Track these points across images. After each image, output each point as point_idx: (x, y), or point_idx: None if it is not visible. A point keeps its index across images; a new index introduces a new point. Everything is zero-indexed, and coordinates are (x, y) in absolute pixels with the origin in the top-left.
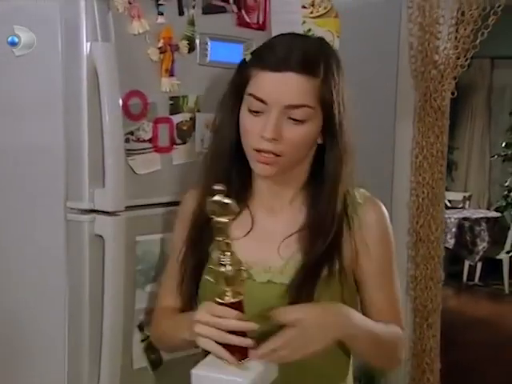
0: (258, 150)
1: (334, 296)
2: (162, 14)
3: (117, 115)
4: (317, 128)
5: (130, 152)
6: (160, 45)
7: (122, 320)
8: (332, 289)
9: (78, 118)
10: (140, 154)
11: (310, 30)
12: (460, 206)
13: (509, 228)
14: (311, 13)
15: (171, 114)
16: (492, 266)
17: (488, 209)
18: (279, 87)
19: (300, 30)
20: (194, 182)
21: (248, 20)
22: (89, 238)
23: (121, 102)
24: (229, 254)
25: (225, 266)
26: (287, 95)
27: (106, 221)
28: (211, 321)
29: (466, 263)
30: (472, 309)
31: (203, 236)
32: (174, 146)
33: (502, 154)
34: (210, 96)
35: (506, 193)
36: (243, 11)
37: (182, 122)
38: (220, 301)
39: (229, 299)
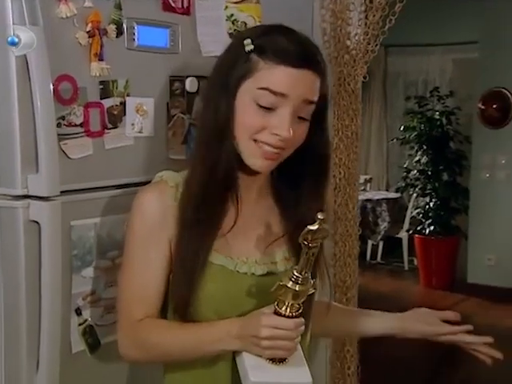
0: (263, 143)
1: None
2: None
3: (48, 100)
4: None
5: (62, 137)
6: (88, 29)
7: (59, 306)
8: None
9: (8, 104)
10: (72, 138)
11: (232, 15)
12: (362, 188)
13: (407, 208)
14: None
15: (102, 99)
16: (392, 245)
17: (387, 190)
18: (298, 83)
19: (223, 15)
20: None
21: (173, 4)
22: (23, 225)
23: (51, 86)
24: (308, 274)
25: (299, 284)
26: (305, 91)
27: (41, 206)
28: (283, 335)
29: (369, 243)
30: (375, 285)
31: (197, 231)
32: (106, 131)
33: (401, 137)
34: (139, 80)
35: (405, 174)
36: None
37: (112, 106)
38: (284, 313)
39: (291, 311)
